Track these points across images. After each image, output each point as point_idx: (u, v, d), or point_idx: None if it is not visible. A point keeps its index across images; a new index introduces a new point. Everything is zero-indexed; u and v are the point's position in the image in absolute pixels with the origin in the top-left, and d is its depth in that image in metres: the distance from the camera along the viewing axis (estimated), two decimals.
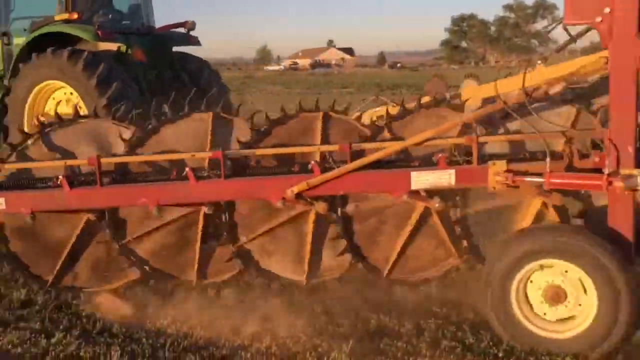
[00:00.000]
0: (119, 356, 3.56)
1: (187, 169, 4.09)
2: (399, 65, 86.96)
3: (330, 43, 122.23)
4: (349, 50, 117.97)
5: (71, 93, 7.17)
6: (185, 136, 4.35)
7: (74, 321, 4.09)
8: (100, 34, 7.23)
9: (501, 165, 3.72)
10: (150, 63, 7.98)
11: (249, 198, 4.26)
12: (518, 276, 3.51)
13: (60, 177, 4.16)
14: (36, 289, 4.58)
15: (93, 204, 4.30)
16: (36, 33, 7.46)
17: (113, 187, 4.23)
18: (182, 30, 8.67)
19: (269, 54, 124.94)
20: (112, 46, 7.48)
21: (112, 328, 3.98)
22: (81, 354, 3.62)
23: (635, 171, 3.40)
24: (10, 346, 3.73)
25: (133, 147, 4.33)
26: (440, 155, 3.97)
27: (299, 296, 4.40)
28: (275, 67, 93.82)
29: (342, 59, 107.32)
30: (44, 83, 7.23)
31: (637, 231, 3.54)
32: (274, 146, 4.24)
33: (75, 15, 7.39)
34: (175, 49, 8.64)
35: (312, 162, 4.03)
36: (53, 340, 3.77)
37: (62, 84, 7.15)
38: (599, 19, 3.35)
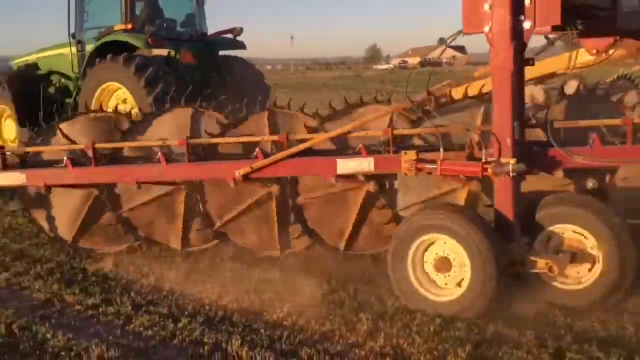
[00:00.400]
0: (239, 345, 3.71)
1: (159, 153, 4.99)
2: None
3: (441, 41, 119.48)
4: (460, 49, 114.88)
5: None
6: (171, 126, 5.25)
7: (198, 308, 4.31)
8: (150, 42, 8.18)
9: (411, 154, 4.34)
10: (199, 65, 8.79)
11: (207, 178, 5.12)
12: (413, 246, 4.17)
13: (65, 158, 5.18)
14: (164, 276, 4.91)
15: (89, 180, 5.28)
16: (100, 41, 8.44)
17: (104, 168, 5.20)
18: (229, 36, 9.50)
19: (378, 52, 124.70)
20: (163, 51, 8.34)
21: (232, 317, 4.16)
22: (205, 339, 3.82)
23: (511, 160, 3.96)
24: (141, 328, 4.02)
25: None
26: (361, 145, 4.67)
27: None
28: (385, 66, 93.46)
29: (453, 57, 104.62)
30: (106, 84, 8.10)
31: (526, 212, 4.15)
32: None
33: (130, 26, 8.33)
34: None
35: (257, 149, 4.81)
36: (179, 325, 4.02)
37: (119, 85, 8.02)
38: (487, 29, 4.01)
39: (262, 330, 3.94)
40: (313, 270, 4.98)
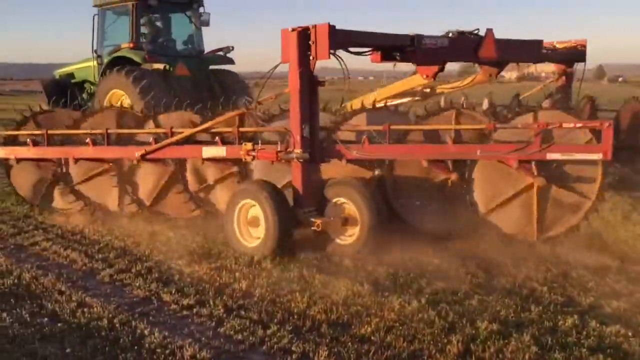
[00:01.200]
0: (326, 356, 3.71)
1: (87, 139, 7.15)
2: (620, 79, 78.60)
3: None
4: None
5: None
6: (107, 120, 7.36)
7: (287, 316, 4.35)
8: (147, 57, 10.11)
9: (248, 145, 6.08)
10: (192, 77, 10.56)
11: (118, 157, 7.26)
12: (237, 207, 6.00)
13: (28, 140, 7.48)
14: (255, 282, 5.01)
15: (43, 155, 7.56)
16: (112, 56, 10.49)
17: (53, 147, 7.43)
18: (222, 53, 11.50)
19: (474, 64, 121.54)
20: (159, 65, 10.07)
21: (320, 327, 4.15)
22: (292, 348, 3.84)
23: (297, 150, 5.72)
24: (232, 332, 4.11)
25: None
26: (217, 137, 6.63)
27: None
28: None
29: (553, 72, 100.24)
30: (112, 91, 9.92)
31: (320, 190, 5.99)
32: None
33: (132, 44, 10.32)
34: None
35: (151, 138, 6.92)
36: (268, 332, 4.07)
37: (122, 92, 9.77)
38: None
39: (349, 343, 3.90)
40: (403, 285, 4.91)
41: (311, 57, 5.53)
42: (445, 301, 4.56)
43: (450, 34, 6.44)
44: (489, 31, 6.55)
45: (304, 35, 5.49)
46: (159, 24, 11.24)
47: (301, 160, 5.73)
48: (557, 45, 7.87)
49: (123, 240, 6.37)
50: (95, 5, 10.97)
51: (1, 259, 5.77)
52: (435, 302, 4.54)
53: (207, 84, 10.80)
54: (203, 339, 4.02)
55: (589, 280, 5.07)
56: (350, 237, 5.84)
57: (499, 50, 6.65)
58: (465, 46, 6.54)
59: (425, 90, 8.66)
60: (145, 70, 9.89)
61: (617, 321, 4.23)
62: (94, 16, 10.96)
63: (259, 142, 6.11)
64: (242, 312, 4.44)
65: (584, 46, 7.79)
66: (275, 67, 5.92)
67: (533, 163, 5.83)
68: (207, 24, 11.37)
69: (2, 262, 5.65)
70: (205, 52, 11.52)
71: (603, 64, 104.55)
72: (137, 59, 10.11)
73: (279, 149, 5.87)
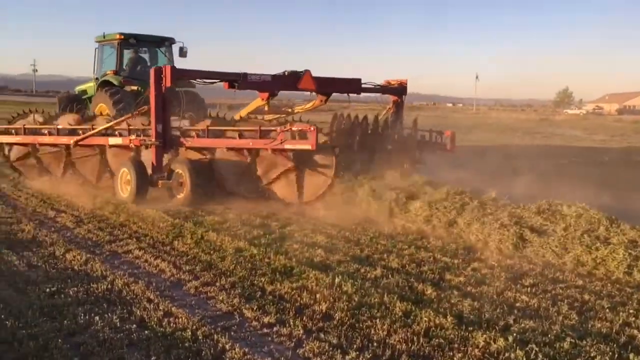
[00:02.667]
0: None
1: (46, 131, 11.30)
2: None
3: None
4: None
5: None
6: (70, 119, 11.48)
7: (366, 343, 4.27)
8: (122, 81, 13.44)
9: (132, 136, 10.00)
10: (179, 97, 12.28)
11: (60, 143, 11.06)
12: (120, 172, 10.01)
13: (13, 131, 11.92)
14: (335, 305, 4.98)
15: (24, 141, 11.68)
16: (101, 80, 13.92)
17: (28, 136, 11.47)
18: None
19: (569, 96, 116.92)
20: (133, 87, 13.49)
21: (400, 357, 4.05)
22: None
23: (153, 140, 9.33)
24: (311, 354, 4.09)
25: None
26: (117, 131, 10.42)
27: None
28: (576, 111, 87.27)
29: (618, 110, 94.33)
30: (99, 104, 13.24)
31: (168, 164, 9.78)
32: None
33: (113, 72, 13.70)
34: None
35: (80, 131, 10.75)
36: (347, 358, 4.01)
37: (104, 105, 13.05)
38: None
39: None
40: (489, 321, 4.70)
41: (162, 84, 9.14)
42: (534, 342, 4.31)
43: (285, 72, 9.91)
44: (307, 71, 9.94)
45: (158, 72, 9.21)
46: (137, 56, 14.38)
47: (155, 145, 9.37)
48: (391, 82, 11.34)
49: (209, 254, 6.54)
50: (96, 41, 14.35)
51: (97, 264, 6.08)
52: (523, 342, 4.30)
53: (176, 101, 12.57)
54: (282, 359, 4.03)
55: None
56: (182, 193, 9.47)
57: (315, 84, 10.13)
58: (287, 81, 9.96)
59: (288, 110, 12.61)
60: (121, 89, 13.24)
61: None
62: (95, 49, 14.35)
63: (141, 134, 9.94)
64: (322, 335, 4.41)
65: (405, 83, 11.36)
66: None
67: (291, 153, 9.08)
68: (184, 55, 14.38)
69: (97, 268, 5.95)
70: None
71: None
72: (115, 82, 13.46)
73: (142, 138, 9.64)
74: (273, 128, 9.20)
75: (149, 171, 9.59)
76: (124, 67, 13.94)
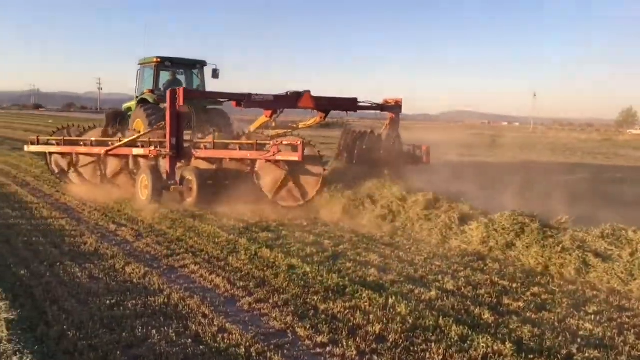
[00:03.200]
0: None
1: (82, 143, 12.68)
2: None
3: None
4: None
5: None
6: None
7: None
8: (156, 99, 14.36)
9: (150, 148, 11.36)
10: (194, 113, 12.26)
11: (94, 153, 12.39)
12: (140, 178, 11.38)
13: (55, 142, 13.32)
14: (389, 326, 4.89)
15: (63, 150, 12.97)
16: (139, 98, 15.06)
17: (66, 146, 12.82)
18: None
19: (634, 116, 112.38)
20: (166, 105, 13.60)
21: None
22: None
23: (168, 150, 10.87)
24: None
25: None
26: (140, 143, 11.74)
27: None
28: None
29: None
30: (136, 120, 14.32)
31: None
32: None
33: (149, 91, 14.78)
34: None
35: (110, 142, 12.16)
36: None
37: (140, 120, 14.05)
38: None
39: None
40: (550, 349, 4.51)
41: (177, 104, 10.52)
42: None
43: (287, 93, 11.20)
44: (306, 91, 11.22)
45: (173, 93, 10.58)
46: (174, 77, 15.45)
47: (169, 156, 10.80)
48: (388, 101, 12.55)
49: (263, 271, 6.58)
50: (138, 64, 15.70)
51: (155, 277, 6.22)
52: None
53: (204, 117, 13.72)
54: None
55: None
56: (191, 197, 10.68)
57: (314, 103, 11.40)
58: (288, 100, 11.21)
59: (294, 125, 13.98)
60: (155, 106, 14.19)
61: None
62: (137, 71, 15.59)
63: (158, 146, 11.27)
64: (375, 357, 4.35)
65: (400, 102, 12.52)
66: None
67: (284, 163, 10.38)
68: (217, 77, 15.25)
69: (155, 281, 6.08)
70: None
71: None
72: (151, 100, 14.59)
73: (158, 149, 11.06)
74: (267, 142, 10.44)
75: (164, 177, 10.97)
76: (160, 86, 14.98)
